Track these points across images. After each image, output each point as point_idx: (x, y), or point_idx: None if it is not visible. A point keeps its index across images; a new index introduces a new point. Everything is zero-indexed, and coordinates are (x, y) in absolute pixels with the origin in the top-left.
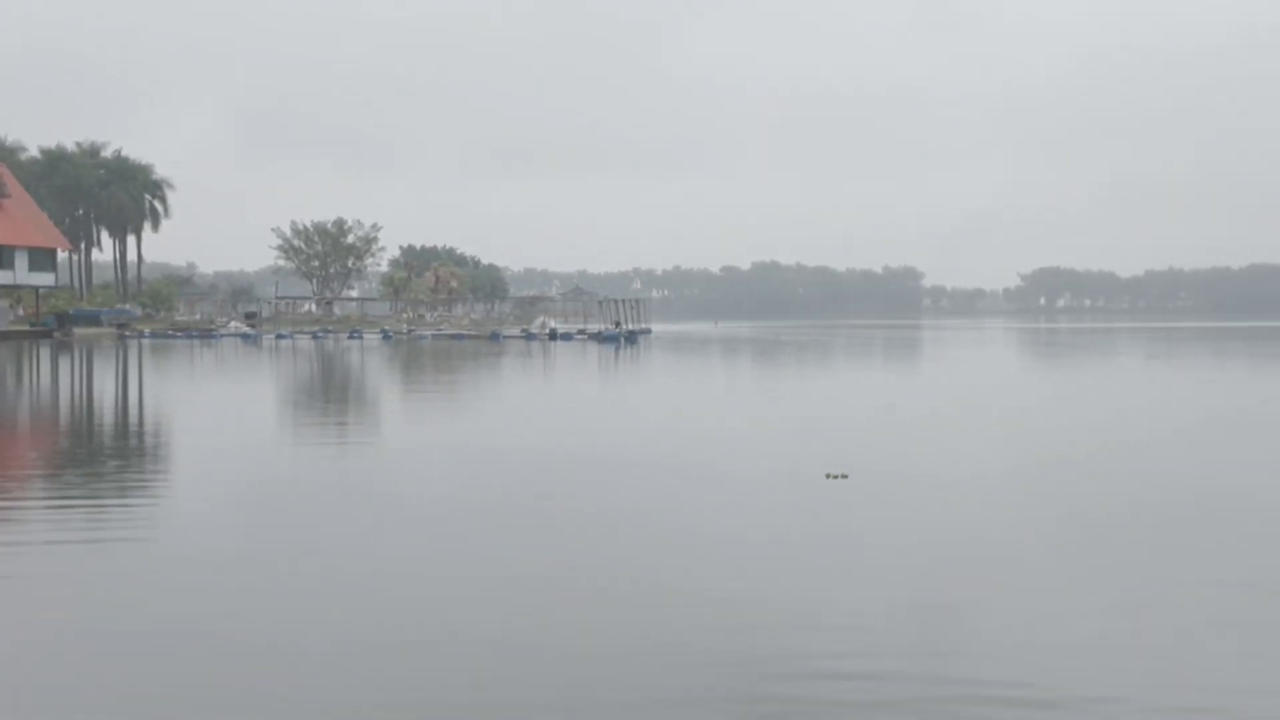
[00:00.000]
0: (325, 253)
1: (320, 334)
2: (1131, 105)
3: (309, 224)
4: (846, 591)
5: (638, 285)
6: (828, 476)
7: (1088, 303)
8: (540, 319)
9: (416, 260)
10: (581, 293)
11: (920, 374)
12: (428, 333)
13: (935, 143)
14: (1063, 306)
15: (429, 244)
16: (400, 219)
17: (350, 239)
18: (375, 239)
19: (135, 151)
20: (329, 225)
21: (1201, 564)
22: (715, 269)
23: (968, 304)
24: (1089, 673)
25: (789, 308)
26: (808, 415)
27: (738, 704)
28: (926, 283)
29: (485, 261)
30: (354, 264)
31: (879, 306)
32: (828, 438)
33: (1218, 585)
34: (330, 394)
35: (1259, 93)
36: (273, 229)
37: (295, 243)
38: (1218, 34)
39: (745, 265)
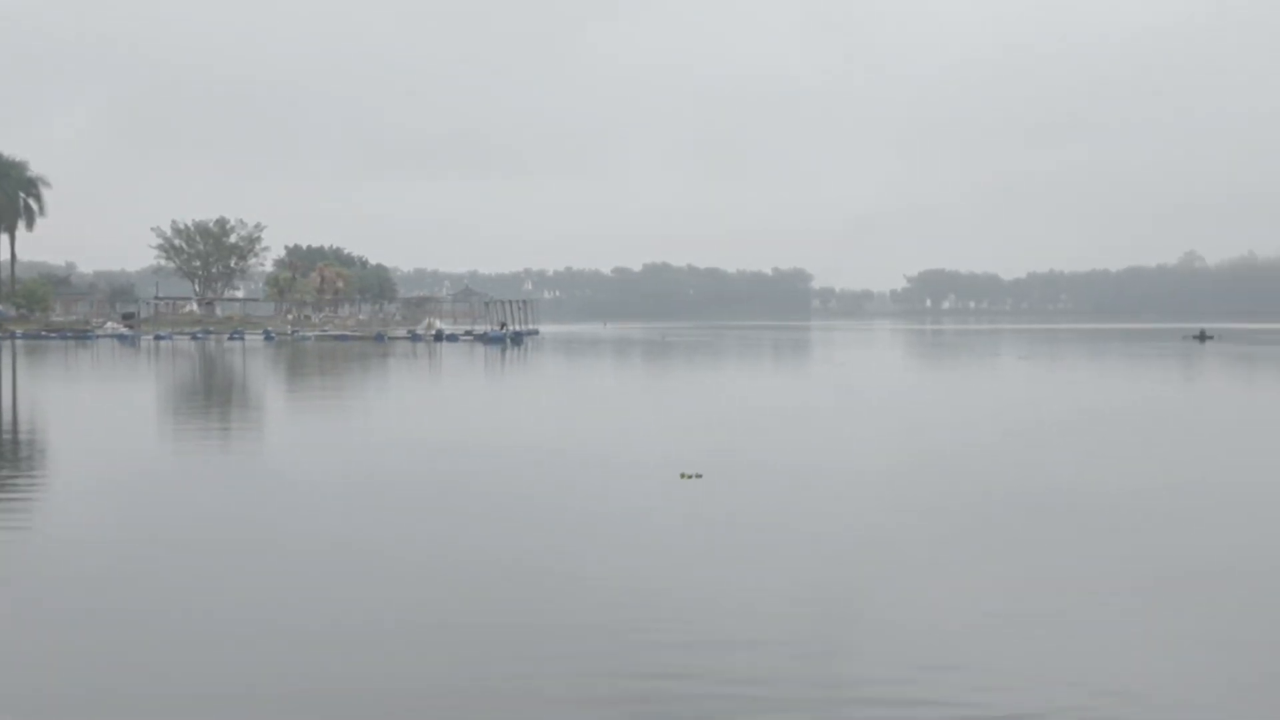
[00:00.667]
0: (207, 253)
1: (201, 335)
2: (1015, 108)
3: (190, 223)
4: (723, 580)
5: (529, 286)
6: (682, 476)
7: (972, 304)
8: (428, 320)
9: (302, 260)
10: (471, 294)
11: (806, 374)
12: (311, 334)
13: (824, 144)
14: (948, 308)
15: (316, 244)
16: (288, 218)
17: (233, 239)
18: (259, 239)
19: (8, 148)
20: (211, 225)
21: (1070, 553)
22: (607, 270)
23: (855, 305)
24: (968, 658)
25: (680, 309)
26: (679, 414)
27: (626, 700)
28: (815, 284)
29: (374, 262)
30: (237, 264)
31: (769, 308)
32: (695, 436)
33: (1088, 572)
34: (197, 395)
35: (1141, 97)
36: (153, 228)
37: (176, 242)
38: (1101, 37)
39: (637, 267)
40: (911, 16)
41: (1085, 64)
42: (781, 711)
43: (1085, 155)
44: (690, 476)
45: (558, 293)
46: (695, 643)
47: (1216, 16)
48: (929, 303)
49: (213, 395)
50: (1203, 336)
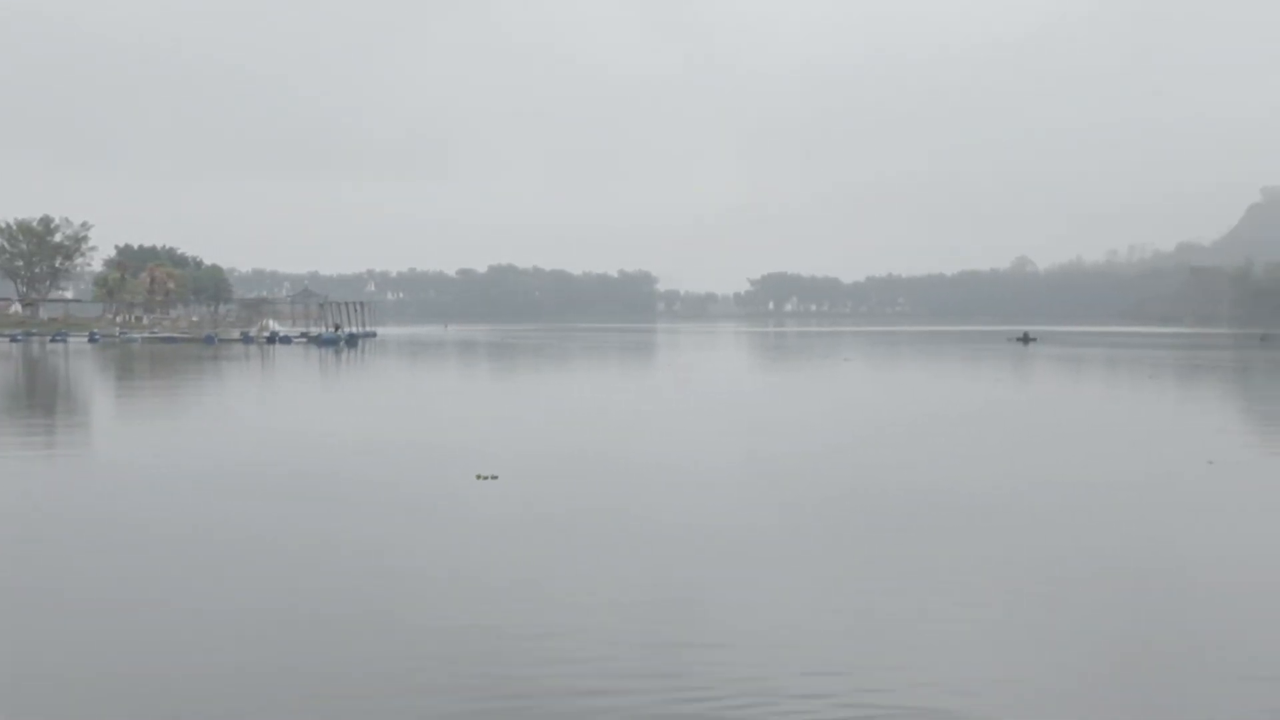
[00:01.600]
0: (30, 252)
1: (21, 336)
2: (859, 113)
3: (12, 222)
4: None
5: (372, 287)
6: (478, 478)
7: (813, 307)
8: (262, 322)
9: (133, 260)
10: (310, 295)
11: (646, 376)
12: (139, 336)
13: (670, 147)
14: (790, 311)
15: (148, 244)
16: (118, 217)
17: (58, 237)
18: (85, 238)
19: None
20: (34, 223)
21: (915, 551)
22: (451, 272)
23: (700, 308)
24: (817, 658)
25: (526, 311)
26: (492, 415)
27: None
28: (660, 287)
29: (209, 262)
30: (62, 264)
31: (614, 310)
32: (504, 438)
33: (933, 570)
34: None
35: (979, 108)
36: None
37: None
38: (943, 48)
39: (482, 268)
40: (758, 19)
41: (927, 73)
42: (617, 708)
43: (924, 163)
44: (486, 478)
45: (401, 294)
46: (541, 643)
47: (1054, 31)
48: (772, 305)
49: (30, 398)
50: (1026, 339)
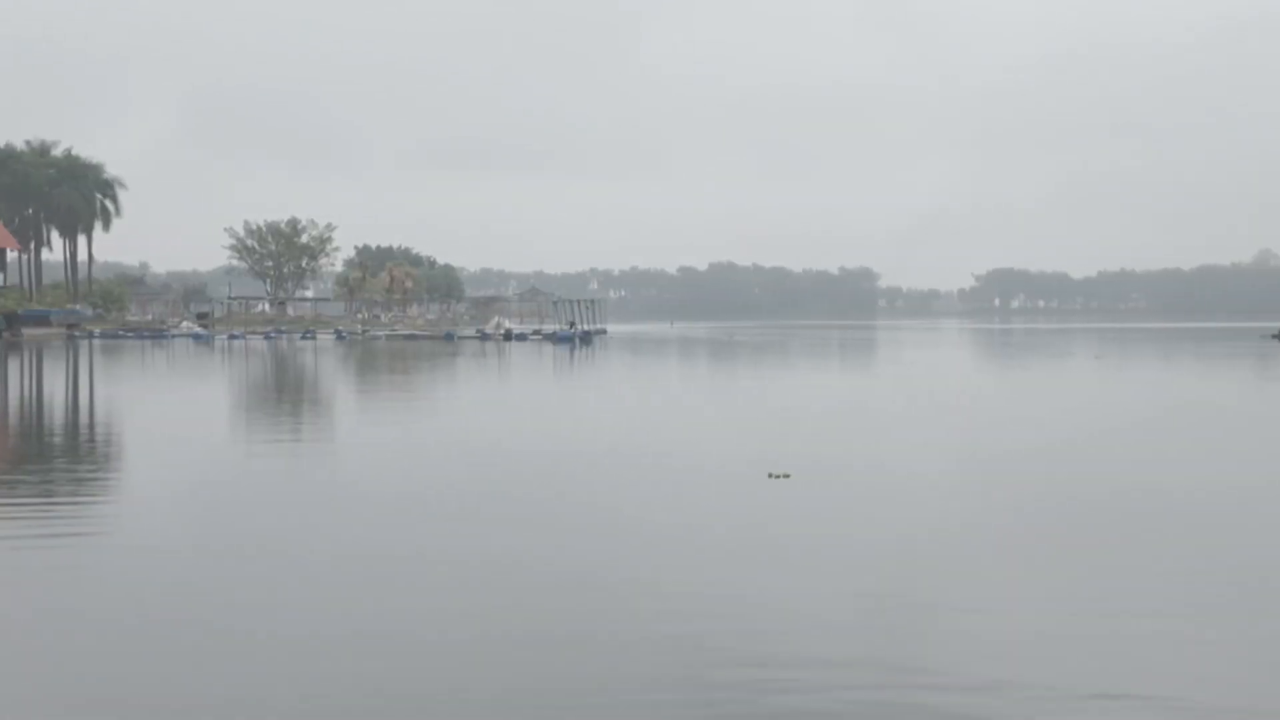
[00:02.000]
0: (279, 252)
1: (273, 334)
2: (1084, 104)
3: (263, 224)
4: (805, 587)
5: (594, 285)
6: (770, 476)
7: (1041, 304)
8: (496, 319)
9: (372, 260)
10: (537, 293)
11: (876, 374)
12: (382, 333)
13: (890, 142)
14: (1017, 307)
15: (385, 244)
16: (356, 219)
17: (304, 239)
18: (329, 239)
19: (86, 150)
20: (283, 225)
21: (1150, 559)
22: (672, 269)
23: (923, 305)
24: (1050, 667)
25: (745, 309)
26: (757, 415)
27: (694, 705)
28: (882, 284)
29: (441, 261)
30: (308, 264)
31: (835, 307)
32: (778, 437)
33: (1166, 579)
34: (278, 394)
35: (1208, 94)
36: (225, 229)
37: (249, 242)
38: (1172, 34)
39: (702, 266)
40: (973, 14)
41: (1153, 62)
42: (849, 711)
43: (1156, 153)
44: (778, 476)
45: (623, 292)
46: (766, 650)
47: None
48: (997, 302)
49: (288, 394)
50: None
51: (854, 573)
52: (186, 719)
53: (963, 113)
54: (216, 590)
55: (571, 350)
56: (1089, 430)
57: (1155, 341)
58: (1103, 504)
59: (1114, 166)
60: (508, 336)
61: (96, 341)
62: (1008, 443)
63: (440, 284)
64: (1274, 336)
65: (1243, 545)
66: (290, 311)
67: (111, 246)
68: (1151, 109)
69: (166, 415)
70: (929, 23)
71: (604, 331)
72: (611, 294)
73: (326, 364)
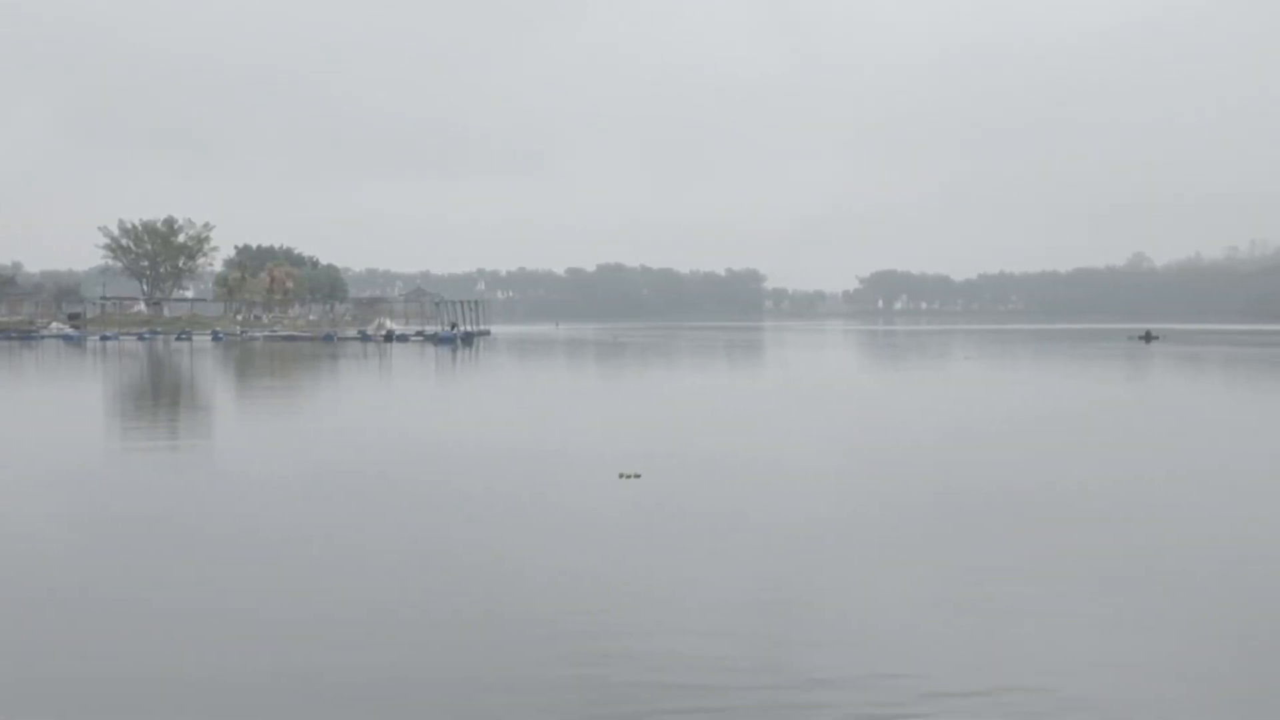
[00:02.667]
0: (155, 252)
1: (148, 335)
2: (966, 109)
3: (138, 223)
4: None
5: (482, 286)
6: (621, 476)
7: (923, 305)
8: (379, 320)
9: (252, 260)
10: (423, 294)
11: (752, 375)
12: (260, 334)
13: (777, 145)
14: (900, 309)
15: (266, 244)
16: (237, 218)
17: (181, 238)
18: (207, 238)
19: None
20: (159, 224)
21: (1015, 550)
22: (560, 271)
23: (808, 306)
24: (926, 656)
25: (634, 310)
26: (623, 415)
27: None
28: (768, 285)
29: (325, 262)
30: (185, 264)
31: (722, 309)
32: (640, 437)
33: (1040, 567)
34: (141, 396)
35: (1089, 99)
36: (100, 228)
37: (124, 242)
38: (1051, 40)
39: (590, 267)
40: (862, 17)
41: (1034, 66)
42: (733, 706)
43: (1034, 157)
44: (629, 476)
45: (511, 293)
46: (649, 639)
47: (1163, 20)
48: (881, 304)
49: (157, 395)
50: (1148, 337)
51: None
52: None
53: (849, 115)
54: (95, 576)
55: (453, 352)
56: (948, 428)
57: (1029, 342)
58: (970, 500)
59: (995, 170)
60: (389, 338)
61: None
62: (872, 441)
63: (323, 285)
64: (1140, 338)
65: (1110, 538)
66: (167, 312)
67: None
68: (1031, 115)
69: (36, 417)
70: (816, 25)
71: (488, 333)
72: (499, 295)
73: (193, 365)
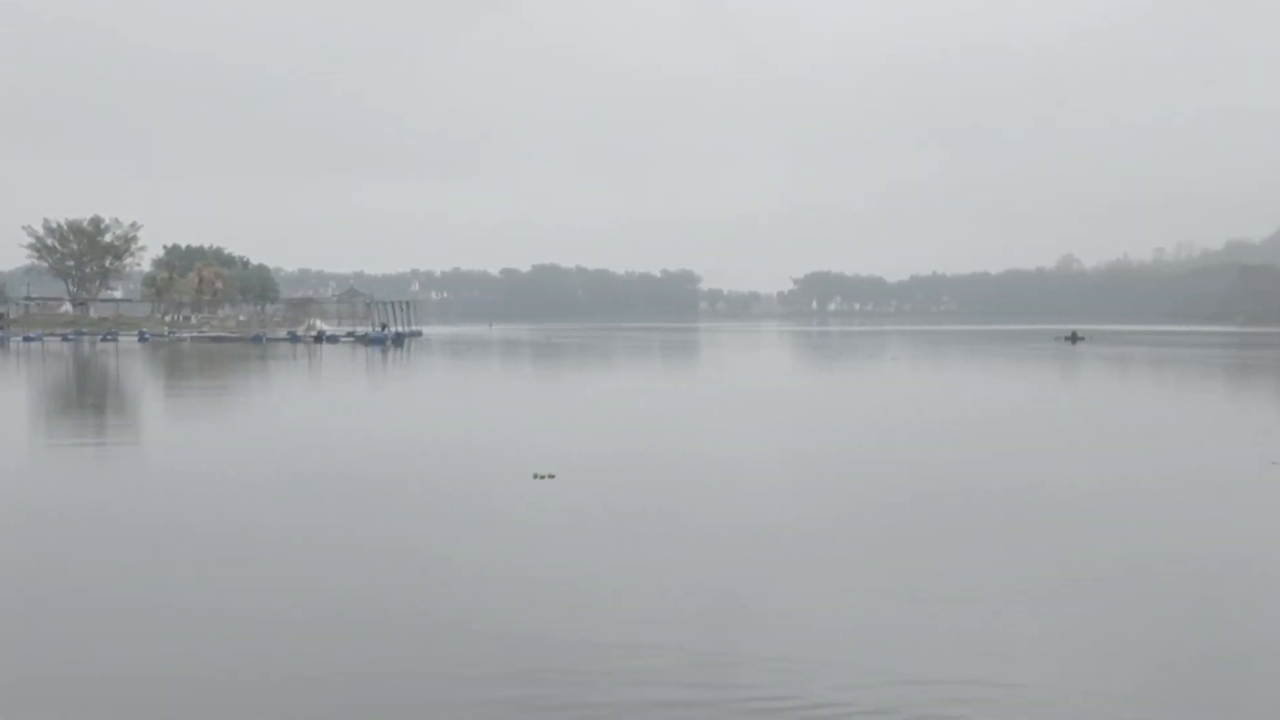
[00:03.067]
0: (81, 252)
1: (72, 336)
2: (901, 113)
3: (63, 222)
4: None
5: (416, 287)
6: (535, 477)
7: (857, 306)
8: (310, 321)
9: (181, 261)
10: (355, 294)
11: (691, 375)
12: (188, 335)
13: (713, 145)
14: (834, 310)
15: (196, 244)
16: (167, 218)
17: (108, 238)
18: (135, 238)
19: None
20: (85, 224)
21: (961, 549)
22: (495, 271)
23: (743, 307)
24: (867, 656)
25: (569, 310)
26: (545, 416)
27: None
28: (703, 286)
29: (256, 262)
30: (112, 264)
31: (657, 309)
32: (568, 436)
33: (970, 568)
34: (56, 397)
35: (1021, 106)
36: (24, 227)
37: (49, 241)
38: (983, 49)
39: (525, 268)
40: (801, 18)
41: (966, 74)
42: (670, 703)
43: (968, 161)
44: (543, 477)
45: (445, 294)
46: (586, 643)
47: (1094, 31)
48: (815, 305)
49: (77, 396)
50: (1074, 338)
51: (668, 565)
52: None
53: (783, 118)
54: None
55: (383, 352)
56: (868, 429)
57: (957, 343)
58: (887, 498)
59: (928, 173)
60: (319, 339)
61: None
62: (790, 441)
63: (254, 285)
64: (1065, 339)
65: (1044, 537)
66: (93, 313)
67: None
68: (964, 119)
69: None
70: (754, 28)
71: (420, 333)
72: (433, 295)
73: (114, 366)
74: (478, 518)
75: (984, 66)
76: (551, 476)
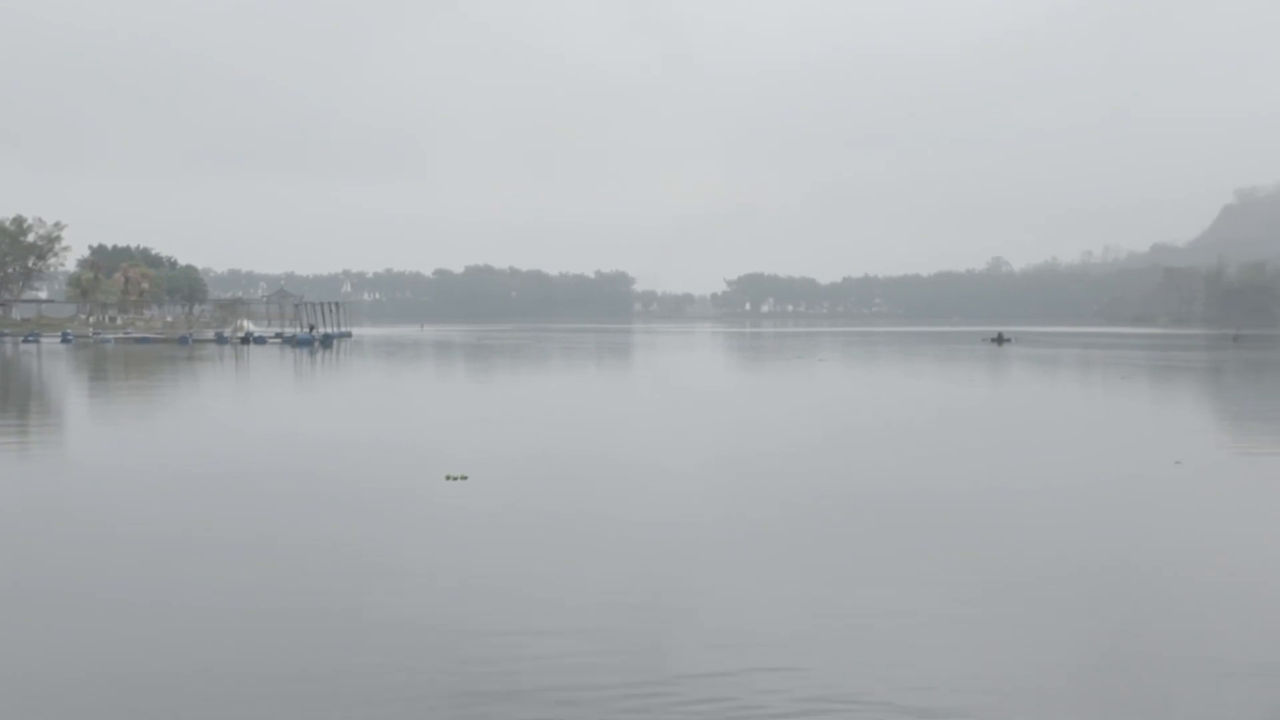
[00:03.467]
0: (3, 252)
1: None
2: (834, 115)
3: None
4: (544, 575)
5: (348, 288)
6: (447, 478)
7: (790, 308)
8: (239, 322)
9: (107, 260)
10: (285, 295)
11: (621, 376)
12: (112, 336)
13: (648, 147)
14: (767, 311)
15: (123, 244)
16: (93, 218)
17: (31, 238)
18: (58, 238)
19: None
20: (7, 223)
21: (888, 548)
22: (428, 272)
23: (677, 308)
24: (792, 656)
25: (502, 311)
26: (462, 417)
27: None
28: (637, 287)
29: (184, 262)
30: (35, 264)
31: (591, 310)
32: (488, 438)
33: (906, 568)
34: None
35: (961, 105)
36: None
37: None
38: (921, 51)
39: (459, 269)
40: (734, 22)
41: (905, 74)
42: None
43: (903, 164)
44: (456, 479)
45: (378, 295)
46: (509, 644)
47: (1030, 33)
48: (748, 306)
49: None
50: (1000, 339)
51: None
52: None
53: (720, 119)
54: None
55: (311, 354)
56: (802, 432)
57: (887, 344)
58: (819, 500)
59: (861, 175)
60: (246, 340)
61: None
62: (742, 444)
63: (182, 285)
64: (992, 340)
65: (953, 538)
66: (15, 314)
67: None
68: (899, 122)
69: None
70: (688, 28)
71: (349, 335)
72: (366, 297)
73: (35, 368)
74: (388, 518)
75: (917, 71)
76: (464, 478)
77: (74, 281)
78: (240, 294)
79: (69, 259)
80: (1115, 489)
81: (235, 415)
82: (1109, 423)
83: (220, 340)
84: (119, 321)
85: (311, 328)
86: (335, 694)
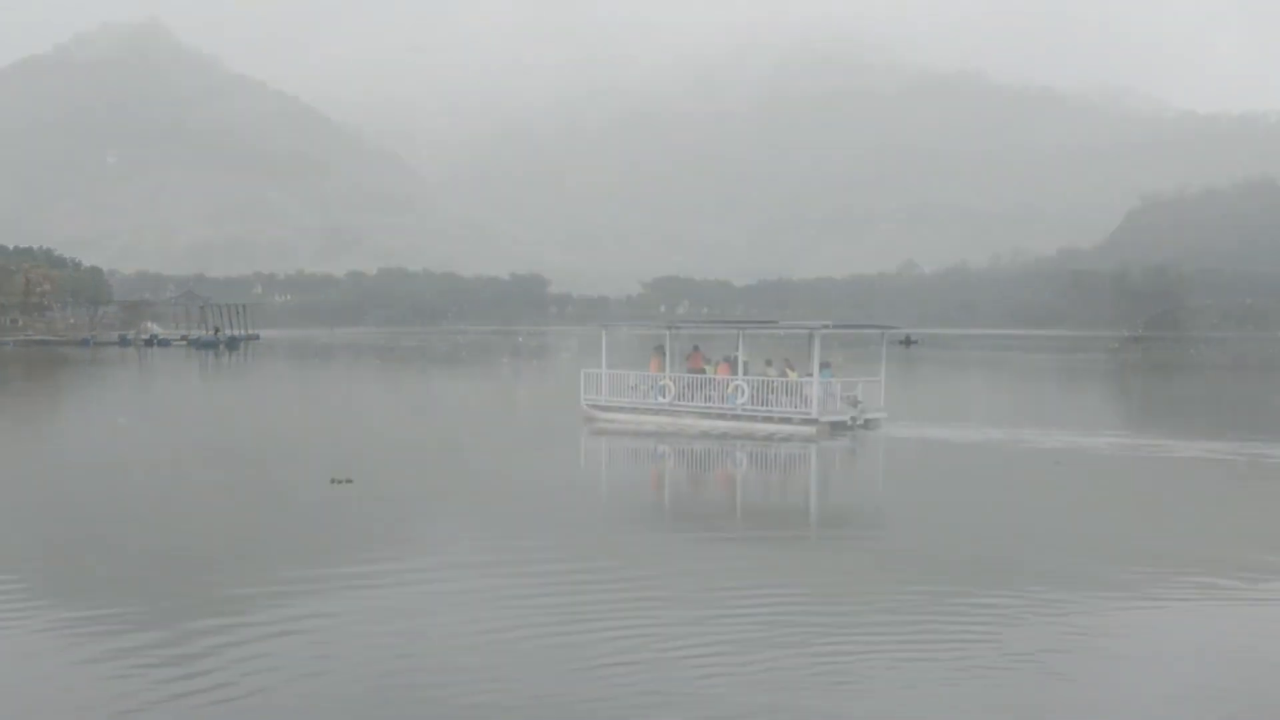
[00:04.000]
0: None
1: None
2: (751, 115)
3: None
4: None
5: (259, 290)
6: (333, 482)
7: (705, 310)
8: (143, 325)
9: (7, 262)
10: (193, 297)
11: (517, 381)
12: (10, 339)
13: (564, 150)
14: (682, 313)
15: (23, 245)
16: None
17: None
18: None
19: None
20: None
21: (738, 561)
22: (341, 274)
23: (591, 311)
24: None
25: (416, 313)
26: (351, 420)
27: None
28: (553, 290)
29: (89, 264)
30: None
31: (506, 312)
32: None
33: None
34: None
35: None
36: None
37: None
38: (853, 51)
39: (372, 271)
40: (635, 18)
41: (829, 78)
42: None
43: (813, 166)
44: (341, 481)
45: (289, 297)
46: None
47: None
48: (664, 308)
49: None
50: (907, 341)
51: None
52: None
53: (631, 119)
54: None
55: (216, 356)
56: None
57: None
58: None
59: (774, 176)
60: (150, 342)
61: None
62: (591, 444)
63: (86, 288)
64: (900, 342)
65: (828, 545)
66: None
67: None
68: (816, 126)
69: None
70: (593, 29)
71: (257, 337)
72: (277, 299)
73: None
74: (270, 521)
75: (829, 70)
76: (349, 481)
77: None
78: (149, 296)
79: None
80: (1001, 486)
81: (132, 419)
82: (1004, 419)
83: (124, 343)
84: (20, 324)
85: (216, 330)
86: None
